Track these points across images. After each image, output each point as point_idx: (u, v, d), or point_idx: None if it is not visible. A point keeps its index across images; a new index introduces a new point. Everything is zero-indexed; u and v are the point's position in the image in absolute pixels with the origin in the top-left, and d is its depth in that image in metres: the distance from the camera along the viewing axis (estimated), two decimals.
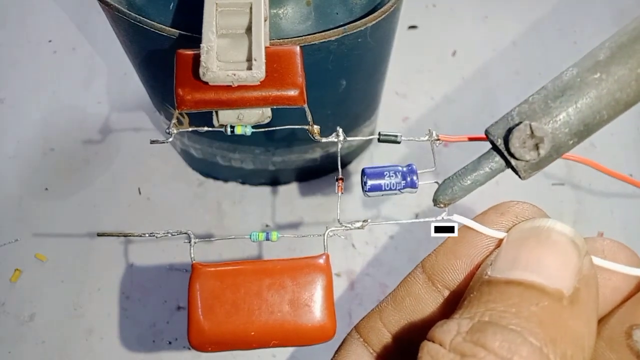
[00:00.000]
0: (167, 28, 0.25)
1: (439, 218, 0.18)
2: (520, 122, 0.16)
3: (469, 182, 0.17)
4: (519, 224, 0.17)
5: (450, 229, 0.18)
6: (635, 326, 0.15)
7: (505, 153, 0.16)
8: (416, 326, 0.18)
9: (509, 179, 0.44)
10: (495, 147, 0.17)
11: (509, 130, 0.16)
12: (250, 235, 0.18)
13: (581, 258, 0.15)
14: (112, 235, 0.19)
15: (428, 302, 0.18)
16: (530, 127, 0.16)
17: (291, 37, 0.26)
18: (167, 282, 0.38)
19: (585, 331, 0.14)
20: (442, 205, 0.17)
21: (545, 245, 0.15)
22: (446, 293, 0.18)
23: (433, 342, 0.14)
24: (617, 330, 0.16)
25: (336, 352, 0.19)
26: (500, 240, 0.17)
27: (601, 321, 0.16)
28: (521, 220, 0.18)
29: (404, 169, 0.18)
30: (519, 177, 0.17)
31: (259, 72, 0.17)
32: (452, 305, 0.17)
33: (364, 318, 0.19)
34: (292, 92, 0.18)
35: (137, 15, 0.25)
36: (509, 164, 0.17)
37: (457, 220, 0.18)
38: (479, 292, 0.15)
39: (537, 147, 0.16)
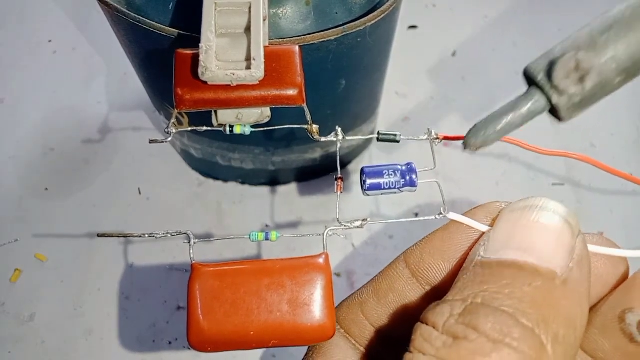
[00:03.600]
0: (166, 28, 0.25)
1: (437, 217, 0.18)
2: (565, 55, 0.14)
3: (504, 124, 0.16)
4: (511, 203, 0.16)
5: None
6: (628, 310, 0.15)
7: (548, 87, 0.15)
8: (400, 320, 0.18)
9: (509, 179, 0.44)
10: (535, 84, 0.15)
11: (552, 63, 0.15)
12: (250, 235, 0.18)
13: (574, 237, 0.15)
14: (112, 236, 0.19)
15: (412, 298, 0.18)
16: (576, 58, 0.14)
17: (290, 36, 0.26)
18: (167, 282, 0.38)
19: (578, 311, 0.14)
20: (472, 149, 0.16)
21: (538, 225, 0.15)
22: (429, 289, 0.18)
23: (426, 324, 0.14)
24: (609, 316, 0.16)
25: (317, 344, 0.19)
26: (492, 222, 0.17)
27: (592, 310, 0.16)
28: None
29: (403, 167, 0.18)
30: (560, 118, 0.15)
31: (258, 71, 0.17)
32: (437, 300, 0.18)
33: (342, 308, 0.19)
34: (291, 92, 0.18)
35: (136, 15, 0.25)
36: (550, 103, 0.15)
37: (454, 218, 0.18)
38: (472, 273, 0.15)
39: (582, 79, 0.14)
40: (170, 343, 0.36)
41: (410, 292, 0.18)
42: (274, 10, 0.27)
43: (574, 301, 0.14)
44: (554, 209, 0.15)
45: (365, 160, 0.43)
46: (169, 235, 0.18)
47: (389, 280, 0.19)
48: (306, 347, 0.19)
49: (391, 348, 0.19)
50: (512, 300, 0.13)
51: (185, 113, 0.26)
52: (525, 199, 0.16)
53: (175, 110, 0.18)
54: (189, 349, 0.36)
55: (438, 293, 0.18)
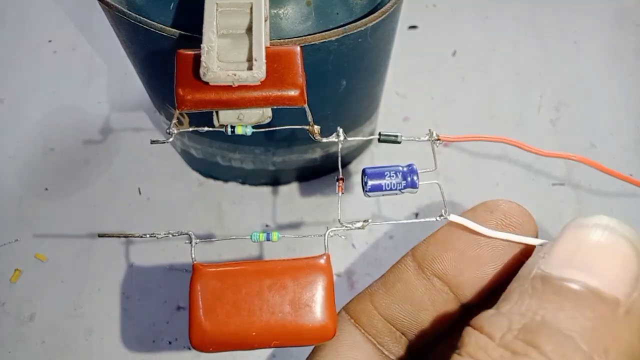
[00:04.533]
0: (167, 28, 0.25)
1: (439, 218, 0.18)
2: None
3: None
4: (577, 218, 0.16)
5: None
6: None
7: None
8: (406, 309, 0.19)
9: (509, 180, 0.44)
10: None
11: None
12: (251, 236, 0.18)
13: None
14: (113, 236, 0.19)
15: (418, 288, 0.19)
16: None
17: (291, 37, 0.26)
18: (167, 282, 0.38)
19: (637, 345, 0.14)
20: None
21: (606, 247, 0.15)
22: (435, 280, 0.19)
23: (480, 332, 0.14)
24: None
25: None
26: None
27: None
28: (510, 220, 0.18)
29: (405, 169, 0.18)
30: None
31: (259, 72, 0.17)
32: (440, 292, 0.19)
33: (353, 301, 0.20)
34: (293, 92, 0.18)
35: (137, 15, 0.25)
36: None
37: (455, 220, 0.18)
38: (530, 286, 0.14)
39: None
40: (170, 343, 0.36)
41: (416, 283, 0.19)
42: (275, 11, 0.27)
43: (634, 333, 0.14)
44: (623, 232, 0.15)
45: (366, 160, 0.43)
46: (170, 236, 0.18)
47: (397, 272, 0.19)
48: (307, 348, 0.20)
49: (395, 337, 0.20)
50: (575, 324, 0.13)
51: (186, 113, 0.26)
52: (594, 216, 0.16)
53: (177, 110, 0.18)
54: (189, 349, 0.36)
55: (442, 283, 0.19)
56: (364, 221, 0.18)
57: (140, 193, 0.41)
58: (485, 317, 0.14)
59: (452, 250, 0.18)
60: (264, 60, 0.18)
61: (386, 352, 0.20)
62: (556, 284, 0.14)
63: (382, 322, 0.19)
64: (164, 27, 0.25)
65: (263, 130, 0.19)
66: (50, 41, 0.49)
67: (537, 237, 0.18)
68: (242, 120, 0.19)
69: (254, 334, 0.16)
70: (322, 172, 0.41)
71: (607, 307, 0.14)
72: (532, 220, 0.18)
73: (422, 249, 0.19)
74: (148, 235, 0.18)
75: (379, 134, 0.19)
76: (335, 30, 0.25)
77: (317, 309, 0.16)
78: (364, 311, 0.19)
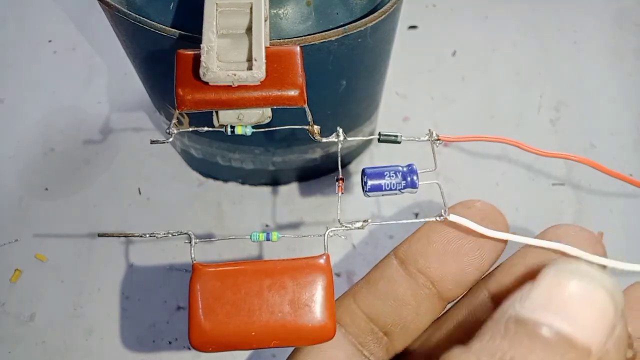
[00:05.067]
0: (167, 28, 0.25)
1: (437, 218, 0.18)
2: None
3: None
4: (558, 262, 0.16)
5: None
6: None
7: None
8: (389, 305, 0.19)
9: (509, 180, 0.44)
10: None
11: None
12: (251, 236, 0.18)
13: (617, 316, 0.14)
14: (113, 236, 0.19)
15: (401, 284, 0.19)
16: None
17: (291, 37, 0.26)
18: (167, 282, 0.38)
19: None
20: None
21: (583, 295, 0.15)
22: (418, 276, 0.19)
23: None
24: None
25: None
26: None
27: None
28: (485, 215, 0.19)
29: (404, 169, 0.18)
30: None
31: (259, 72, 0.17)
32: (423, 287, 0.19)
33: (336, 301, 0.20)
34: (292, 92, 0.18)
35: (137, 15, 0.25)
36: None
37: (455, 220, 0.18)
38: (503, 327, 0.14)
39: None
40: (170, 343, 0.36)
41: (400, 278, 0.19)
42: (275, 11, 0.27)
43: None
44: (601, 281, 0.15)
45: (365, 160, 0.43)
46: (170, 236, 0.18)
47: (381, 270, 0.20)
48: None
49: (378, 337, 0.20)
50: None
51: (186, 113, 0.26)
52: (573, 263, 0.16)
53: (177, 110, 0.18)
54: (189, 348, 0.36)
55: (425, 278, 0.19)
56: (364, 221, 0.18)
57: (140, 193, 0.41)
58: (455, 354, 0.14)
59: (435, 243, 0.19)
60: (264, 60, 0.18)
61: (366, 353, 0.20)
62: (529, 327, 0.14)
63: (364, 321, 0.20)
64: (164, 27, 0.25)
65: (263, 130, 0.19)
66: (50, 41, 0.49)
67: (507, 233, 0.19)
68: (242, 120, 0.19)
69: (253, 333, 0.16)
70: (322, 172, 0.41)
71: (578, 355, 0.13)
72: (503, 218, 0.20)
73: (405, 246, 0.19)
74: (148, 235, 0.18)
75: (379, 134, 0.19)
76: (335, 30, 0.25)
77: (316, 309, 0.16)
78: (346, 310, 0.20)
